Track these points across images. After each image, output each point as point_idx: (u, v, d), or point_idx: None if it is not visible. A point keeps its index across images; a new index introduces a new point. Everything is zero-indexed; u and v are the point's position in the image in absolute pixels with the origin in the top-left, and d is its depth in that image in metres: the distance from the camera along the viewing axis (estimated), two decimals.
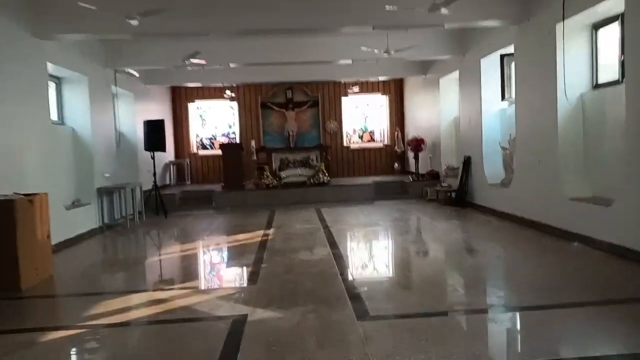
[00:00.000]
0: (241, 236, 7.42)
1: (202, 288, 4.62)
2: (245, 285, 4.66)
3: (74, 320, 3.88)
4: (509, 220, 7.66)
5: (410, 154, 12.56)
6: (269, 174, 11.41)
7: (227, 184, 11.35)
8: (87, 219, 8.07)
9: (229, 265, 5.76)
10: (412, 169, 12.55)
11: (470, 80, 9.24)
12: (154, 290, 4.66)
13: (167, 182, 13.09)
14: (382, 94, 14.53)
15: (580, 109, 6.41)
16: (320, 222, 8.43)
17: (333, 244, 6.40)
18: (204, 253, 6.43)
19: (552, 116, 6.49)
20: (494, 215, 8.23)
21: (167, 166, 13.08)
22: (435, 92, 11.33)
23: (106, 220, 8.66)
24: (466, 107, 9.61)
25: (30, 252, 4.93)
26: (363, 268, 5.17)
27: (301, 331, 3.39)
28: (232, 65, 9.63)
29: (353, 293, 4.22)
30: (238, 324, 3.57)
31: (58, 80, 8.18)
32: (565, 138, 6.44)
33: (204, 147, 14.48)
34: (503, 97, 8.56)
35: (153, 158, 9.88)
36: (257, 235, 7.32)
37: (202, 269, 5.66)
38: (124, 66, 9.44)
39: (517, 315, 3.70)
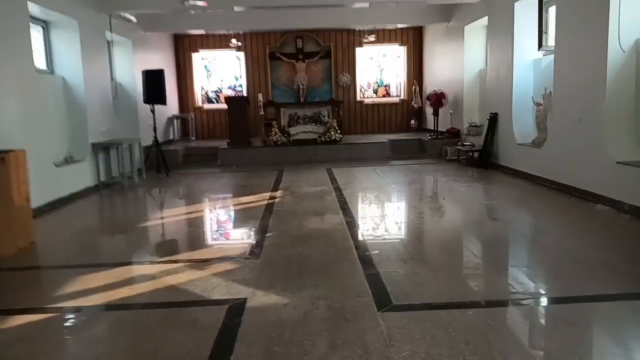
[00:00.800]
0: (245, 198, 6.81)
1: (197, 261, 4.03)
2: (246, 258, 4.06)
3: (39, 301, 3.32)
4: (540, 184, 6.95)
5: (429, 110, 11.72)
6: (277, 130, 10.68)
7: (233, 141, 10.67)
8: (81, 177, 7.49)
9: (229, 233, 5.13)
10: (431, 126, 11.74)
11: (501, 28, 8.28)
12: (141, 263, 4.07)
13: (171, 137, 12.44)
14: (400, 44, 13.50)
15: (634, 58, 5.54)
16: (331, 183, 7.78)
17: (346, 210, 5.76)
18: (203, 218, 5.80)
19: (600, 67, 5.64)
20: (522, 178, 7.51)
21: (170, 120, 12.39)
22: (459, 41, 10.34)
23: (103, 179, 8.08)
24: (495, 58, 8.68)
25: (5, 218, 4.36)
26: (381, 240, 4.52)
27: (309, 325, 2.79)
28: (236, 8, 8.73)
29: (370, 273, 3.59)
30: (234, 313, 2.98)
31: (45, 25, 7.40)
32: (614, 92, 5.61)
33: (209, 100, 13.70)
34: (540, 46, 7.63)
35: (153, 111, 9.18)
36: (263, 198, 6.70)
37: (200, 238, 5.05)
38: (119, 10, 8.59)
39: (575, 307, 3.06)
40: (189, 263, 3.98)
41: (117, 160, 8.33)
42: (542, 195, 6.40)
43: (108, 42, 9.13)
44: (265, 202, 6.41)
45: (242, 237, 4.72)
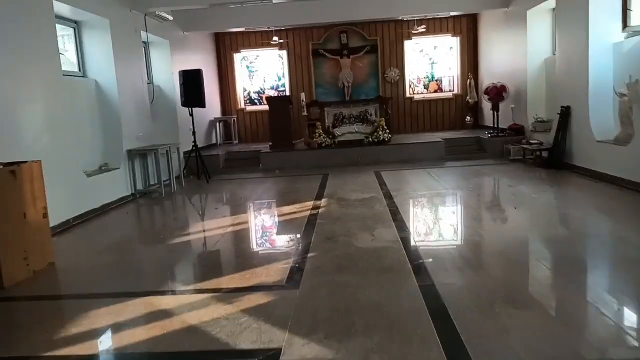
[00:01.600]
0: (287, 208, 6.17)
1: (227, 290, 3.40)
2: (283, 287, 3.40)
3: (27, 347, 2.78)
4: (627, 187, 5.91)
5: (487, 105, 10.70)
6: (321, 131, 10.01)
7: (275, 143, 10.10)
8: (116, 186, 7.11)
9: (266, 254, 4.39)
10: (489, 122, 10.72)
11: (573, 8, 7.23)
12: (163, 293, 3.48)
13: (213, 141, 12.04)
14: (452, 35, 12.51)
15: None
16: (380, 188, 7.02)
17: (400, 223, 5.00)
18: (238, 234, 5.15)
19: None
20: (603, 180, 6.47)
21: (212, 124, 11.99)
22: (521, 28, 9.30)
23: (139, 187, 7.69)
24: (565, 43, 7.63)
25: (18, 238, 3.90)
26: (446, 265, 3.72)
27: None
28: (275, 0, 8.09)
29: (438, 314, 2.83)
30: None
31: (76, 25, 7.06)
32: None
33: (251, 102, 13.23)
34: (625, 26, 6.55)
35: (191, 114, 8.73)
36: (305, 208, 6.04)
37: (233, 259, 4.42)
38: (153, 7, 8.17)
39: None
40: (216, 294, 3.35)
41: (154, 167, 7.91)
42: (633, 201, 5.38)
43: (144, 42, 8.77)
44: (308, 212, 5.74)
45: (280, 258, 4.06)
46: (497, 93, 9.60)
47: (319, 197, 6.68)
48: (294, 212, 5.87)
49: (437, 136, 10.71)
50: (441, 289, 3.18)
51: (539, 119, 8.91)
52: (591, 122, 6.92)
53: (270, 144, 10.18)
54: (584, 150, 7.14)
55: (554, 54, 8.85)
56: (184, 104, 8.68)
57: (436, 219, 5.27)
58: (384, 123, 10.07)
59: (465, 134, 11.08)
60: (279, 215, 5.98)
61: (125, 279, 3.90)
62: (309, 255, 4.06)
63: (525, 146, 8.49)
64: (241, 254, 4.50)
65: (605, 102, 6.86)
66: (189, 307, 3.15)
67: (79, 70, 7.13)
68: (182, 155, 9.24)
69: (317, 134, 10.01)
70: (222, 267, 4.06)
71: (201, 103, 8.71)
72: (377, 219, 5.20)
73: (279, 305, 3.10)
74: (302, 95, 10.24)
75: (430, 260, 3.74)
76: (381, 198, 6.31)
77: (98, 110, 7.23)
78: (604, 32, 6.80)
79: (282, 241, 4.75)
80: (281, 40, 12.28)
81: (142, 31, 8.32)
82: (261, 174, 9.47)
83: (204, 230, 5.27)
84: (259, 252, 4.43)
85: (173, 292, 3.47)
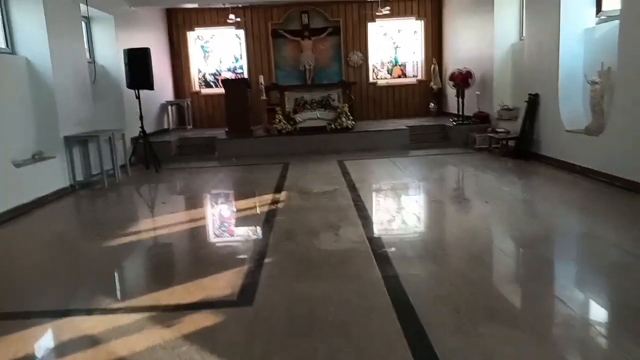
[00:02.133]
0: (242, 203, 5.68)
1: (166, 308, 2.88)
2: (233, 304, 2.91)
3: None
4: (598, 179, 5.72)
5: (451, 92, 10.42)
6: (281, 117, 9.47)
7: (232, 130, 9.48)
8: (51, 177, 6.37)
9: (216, 259, 3.80)
10: (453, 110, 10.45)
11: None
12: (88, 313, 2.92)
13: (165, 126, 11.27)
14: (417, 18, 12.14)
15: None
16: (344, 179, 6.60)
17: (365, 219, 4.58)
18: (185, 235, 4.52)
19: None
20: (573, 171, 6.28)
21: (164, 107, 11.20)
22: (487, 12, 9.01)
23: (79, 177, 6.95)
24: (535, 29, 7.37)
25: None
26: (420, 272, 3.30)
27: None
28: None
29: (413, 330, 2.43)
30: None
31: None
32: None
33: (207, 84, 12.48)
34: (599, 11, 6.32)
35: (138, 97, 8.00)
36: (263, 202, 5.54)
37: (176, 266, 3.86)
38: None
39: None
40: (154, 313, 2.83)
41: (97, 156, 7.17)
42: (605, 195, 5.17)
43: (85, 17, 7.92)
44: (266, 207, 5.25)
45: (232, 264, 3.55)
46: (463, 79, 9.31)
47: (278, 189, 6.18)
48: (251, 207, 5.37)
49: (401, 123, 10.37)
50: (415, 301, 2.77)
51: (505, 107, 8.68)
52: (561, 111, 6.70)
53: (227, 130, 9.55)
54: (553, 140, 6.93)
55: (521, 40, 8.63)
56: (129, 86, 7.93)
57: (404, 214, 4.88)
58: (347, 109, 9.63)
59: (429, 121, 10.80)
60: (233, 211, 5.46)
61: (44, 294, 3.27)
62: (266, 260, 3.58)
63: (491, 135, 8.25)
64: (187, 259, 3.96)
65: (576, 90, 6.65)
66: (119, 331, 2.62)
67: (7, 46, 6.29)
68: (129, 142, 8.52)
69: (277, 120, 9.46)
70: (164, 277, 3.50)
71: (149, 85, 7.99)
72: (342, 214, 4.76)
73: (227, 327, 2.61)
74: (261, 78, 9.63)
75: (404, 267, 3.33)
76: (345, 190, 5.88)
77: (30, 92, 6.41)
78: (576, 17, 6.56)
79: (236, 242, 4.24)
80: (238, 19, 11.55)
81: (81, 4, 7.49)
82: (217, 162, 8.86)
83: (147, 229, 4.68)
84: (208, 257, 3.89)
85: (102, 311, 2.91)
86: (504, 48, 8.88)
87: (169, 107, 11.40)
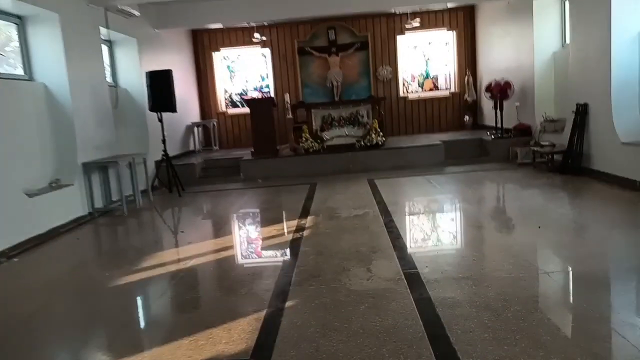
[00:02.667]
0: (265, 230, 5.25)
1: None
2: None
3: None
4: None
5: (487, 104, 9.84)
6: (308, 135, 9.08)
7: (258, 150, 9.15)
8: (69, 205, 6.12)
9: (231, 302, 3.30)
10: (489, 122, 9.87)
11: None
12: None
13: (191, 148, 11.05)
14: (448, 29, 11.62)
15: None
16: (375, 201, 6.11)
17: (401, 250, 4.07)
18: (199, 271, 4.09)
19: None
20: (632, 188, 5.61)
21: (189, 129, 11.00)
22: (526, 20, 8.44)
23: (98, 205, 6.70)
24: (581, 35, 6.76)
25: None
26: (472, 317, 2.78)
27: None
28: None
29: None
30: None
31: (19, 21, 6.07)
32: None
33: (233, 104, 12.26)
34: None
35: (161, 120, 7.76)
36: (287, 229, 5.11)
37: (183, 311, 3.37)
38: (117, 1, 7.19)
39: None
40: None
41: (118, 181, 6.91)
42: None
43: (107, 41, 7.78)
44: (290, 236, 4.80)
45: (249, 309, 3.09)
46: (501, 90, 8.72)
47: (304, 213, 5.74)
48: (273, 237, 4.93)
49: (435, 138, 9.81)
50: None
51: (548, 118, 8.04)
52: (615, 122, 6.04)
53: (252, 150, 9.22)
54: (607, 154, 6.26)
55: (563, 47, 8.01)
56: (151, 109, 7.70)
57: (446, 245, 4.33)
58: (377, 125, 9.16)
59: (465, 135, 10.20)
60: (254, 242, 5.02)
61: (34, 350, 2.90)
62: (287, 304, 3.12)
63: (535, 148, 7.60)
64: (200, 302, 3.52)
65: (631, 98, 6.01)
66: None
67: (25, 73, 6.13)
68: (152, 165, 8.28)
69: (303, 139, 9.07)
70: (170, 326, 3.07)
71: (171, 107, 7.73)
72: (374, 244, 4.27)
73: None
74: (287, 96, 9.30)
75: (449, 313, 2.81)
76: (377, 215, 5.38)
77: (48, 119, 6.22)
78: (628, 19, 5.94)
79: (255, 280, 3.78)
80: (264, 38, 11.33)
81: (103, 28, 7.34)
82: (241, 184, 8.51)
83: (159, 264, 4.28)
84: (224, 300, 3.44)
85: None
86: (544, 56, 8.28)
87: (195, 129, 11.19)
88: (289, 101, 9.25)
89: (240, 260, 4.37)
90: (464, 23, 11.54)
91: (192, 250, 4.61)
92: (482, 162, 8.52)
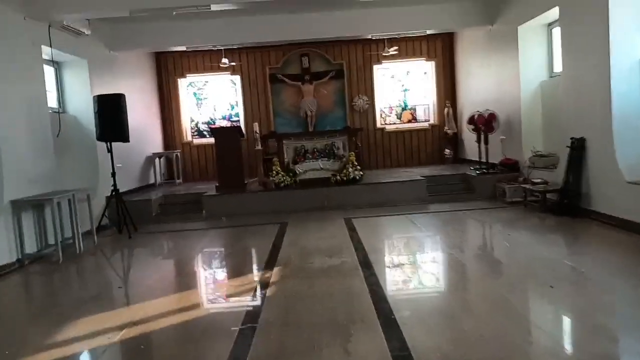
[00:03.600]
0: (221, 287, 4.35)
1: None
2: None
3: None
4: None
5: (469, 137, 9.27)
6: (279, 168, 8.29)
7: (223, 184, 8.28)
8: None
9: None
10: (471, 156, 9.32)
11: (585, 18, 5.88)
12: None
13: (151, 181, 10.10)
14: (427, 60, 11.15)
15: None
16: (353, 246, 5.31)
17: (387, 319, 3.24)
18: (127, 349, 3.14)
19: None
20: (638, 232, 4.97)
21: (150, 161, 10.07)
22: (510, 48, 7.97)
23: (30, 249, 5.70)
24: (574, 62, 6.24)
25: None
26: None
27: None
28: (214, 7, 6.41)
29: None
30: None
31: None
32: None
33: (200, 134, 11.42)
34: None
35: (110, 151, 6.86)
36: (247, 286, 4.22)
37: None
38: (57, 13, 6.34)
39: None
40: None
41: (57, 221, 5.92)
42: None
43: (51, 61, 6.90)
44: (249, 297, 3.93)
45: None
46: (486, 123, 8.15)
47: (270, 263, 4.87)
48: (230, 296, 4.04)
49: (416, 173, 9.14)
50: None
51: (537, 153, 7.47)
52: (618, 159, 5.44)
53: (217, 184, 8.35)
54: (609, 193, 5.63)
55: (551, 77, 7.53)
56: (99, 138, 6.80)
57: (445, 314, 3.47)
58: (354, 158, 8.44)
59: (446, 169, 9.57)
60: (203, 305, 4.06)
61: None
62: None
63: (526, 186, 6.96)
64: None
65: (634, 132, 5.43)
66: None
67: None
68: (103, 202, 7.32)
69: (274, 172, 8.27)
70: None
71: (123, 136, 6.85)
72: (353, 309, 3.43)
73: None
74: (256, 126, 8.53)
75: None
76: (356, 266, 4.56)
77: None
78: (629, 46, 5.43)
79: None
80: (233, 63, 10.63)
81: (46, 46, 6.48)
82: (203, 223, 7.60)
83: (80, 338, 3.33)
84: None
85: None
86: (531, 86, 7.76)
87: (157, 160, 10.27)
88: (258, 131, 8.47)
89: (180, 333, 3.42)
90: (443, 52, 11.10)
91: (125, 315, 3.67)
92: (467, 200, 7.84)
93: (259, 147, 8.55)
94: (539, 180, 6.87)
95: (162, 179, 10.43)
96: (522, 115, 7.82)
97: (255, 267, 4.74)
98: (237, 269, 4.98)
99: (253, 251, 5.54)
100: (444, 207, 7.40)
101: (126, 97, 6.94)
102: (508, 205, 7.17)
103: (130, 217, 7.06)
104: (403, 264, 4.63)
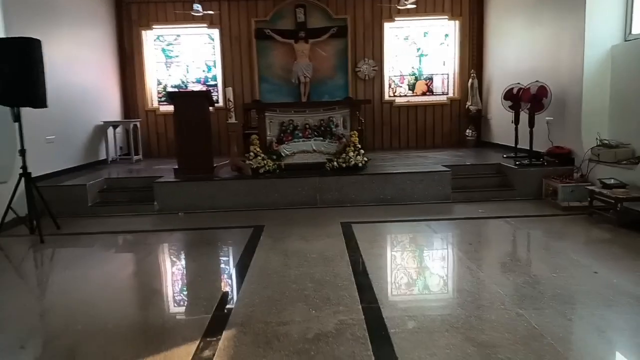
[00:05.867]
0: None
1: None
2: None
3: None
4: None
5: (499, 115, 7.32)
6: (258, 149, 6.34)
7: (184, 167, 6.33)
8: None
9: None
10: (500, 140, 7.40)
11: None
12: None
13: (103, 157, 8.11)
14: (450, 18, 9.08)
15: None
16: (356, 285, 3.42)
17: None
18: None
19: None
20: None
21: (101, 131, 8.05)
22: (567, 2, 5.95)
23: None
24: None
25: None
26: None
27: None
28: None
29: None
30: None
31: None
32: None
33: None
34: None
35: (18, 119, 4.87)
36: None
37: None
38: None
39: None
40: None
41: None
42: None
43: None
44: None
45: None
46: (534, 99, 6.18)
47: (219, 320, 2.96)
48: None
49: (432, 158, 7.21)
50: None
51: (604, 142, 5.55)
52: None
53: (176, 167, 6.39)
54: None
55: (627, 40, 5.56)
56: (2, 102, 4.80)
57: None
58: (357, 139, 6.49)
59: (471, 156, 7.64)
60: None
61: None
62: None
63: (595, 189, 5.05)
64: None
65: None
66: None
67: None
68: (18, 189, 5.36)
69: (252, 154, 6.32)
70: None
71: (36, 99, 4.85)
72: None
73: None
74: (229, 92, 6.49)
75: None
76: (363, 335, 2.67)
77: None
78: None
79: None
80: (210, 12, 8.53)
81: None
82: (152, 219, 5.70)
83: None
84: None
85: None
86: (598, 53, 5.78)
87: (111, 130, 8.24)
88: (231, 99, 6.44)
89: None
90: (470, 10, 9.02)
91: None
92: (504, 199, 5.96)
93: (232, 119, 6.54)
94: (612, 181, 4.95)
95: (117, 155, 8.44)
96: (583, 91, 5.86)
97: (192, 326, 2.84)
98: (160, 330, 3.02)
99: (199, 284, 3.63)
100: (474, 208, 5.54)
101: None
102: (564, 212, 5.27)
103: (49, 211, 5.15)
104: (435, 326, 2.72)
